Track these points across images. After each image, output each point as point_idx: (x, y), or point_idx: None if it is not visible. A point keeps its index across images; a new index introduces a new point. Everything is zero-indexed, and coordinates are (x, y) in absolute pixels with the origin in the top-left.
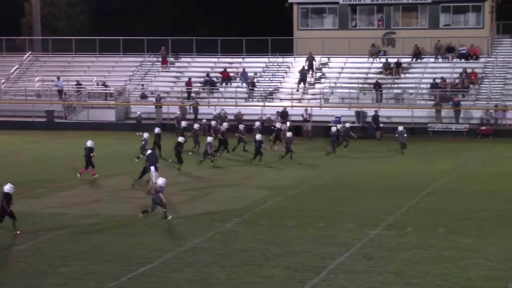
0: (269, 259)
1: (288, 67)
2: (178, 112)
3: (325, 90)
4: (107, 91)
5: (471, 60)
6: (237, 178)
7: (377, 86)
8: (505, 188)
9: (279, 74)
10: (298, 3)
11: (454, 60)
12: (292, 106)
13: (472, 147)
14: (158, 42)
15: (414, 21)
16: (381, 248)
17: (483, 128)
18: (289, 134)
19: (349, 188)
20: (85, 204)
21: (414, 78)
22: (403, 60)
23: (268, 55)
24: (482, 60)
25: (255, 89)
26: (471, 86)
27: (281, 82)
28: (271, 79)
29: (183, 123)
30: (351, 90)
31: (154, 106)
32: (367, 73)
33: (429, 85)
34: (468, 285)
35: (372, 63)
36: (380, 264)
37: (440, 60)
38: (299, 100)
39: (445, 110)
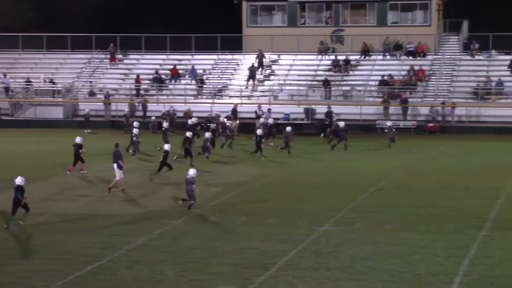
0: (218, 256)
1: (237, 64)
2: (127, 110)
3: (274, 87)
4: (54, 88)
5: (419, 58)
6: None
7: (326, 83)
8: (452, 185)
9: (228, 71)
10: (247, 0)
11: (402, 57)
12: (241, 103)
13: (420, 144)
14: (106, 39)
15: (362, 18)
16: (329, 244)
17: (431, 125)
18: (288, 128)
19: (299, 185)
20: (33, 202)
21: (362, 75)
22: (351, 57)
23: (217, 52)
24: (429, 57)
25: (204, 86)
26: (418, 83)
27: (230, 79)
28: (220, 76)
29: (194, 119)
30: (300, 87)
31: (102, 104)
32: (316, 70)
33: (377, 82)
34: (415, 280)
35: (321, 60)
36: (328, 260)
37: (388, 57)
38: (248, 97)
39: (393, 107)
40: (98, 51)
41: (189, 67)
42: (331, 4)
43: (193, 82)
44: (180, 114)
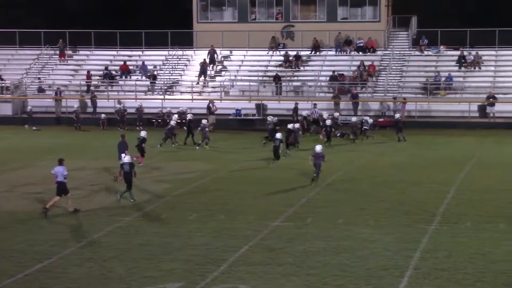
0: (170, 252)
1: (188, 60)
2: (76, 106)
3: (225, 83)
4: (3, 84)
5: (369, 53)
6: (139, 172)
7: (277, 78)
8: (403, 179)
9: (179, 67)
10: None
11: (352, 53)
12: (192, 99)
13: (369, 139)
14: (55, 34)
15: (312, 14)
16: (281, 240)
17: (381, 120)
18: (354, 119)
19: (250, 180)
20: None
21: (313, 70)
22: (302, 53)
23: (167, 48)
24: (379, 53)
25: (155, 82)
26: (369, 78)
27: (181, 75)
28: (171, 72)
29: (189, 116)
30: (251, 83)
31: (51, 100)
32: (267, 66)
33: (328, 78)
34: (366, 274)
35: (272, 56)
36: (280, 255)
37: (339, 52)
38: (200, 93)
39: (343, 102)
40: (47, 47)
41: (140, 63)
42: None
43: (144, 78)
44: (132, 110)
